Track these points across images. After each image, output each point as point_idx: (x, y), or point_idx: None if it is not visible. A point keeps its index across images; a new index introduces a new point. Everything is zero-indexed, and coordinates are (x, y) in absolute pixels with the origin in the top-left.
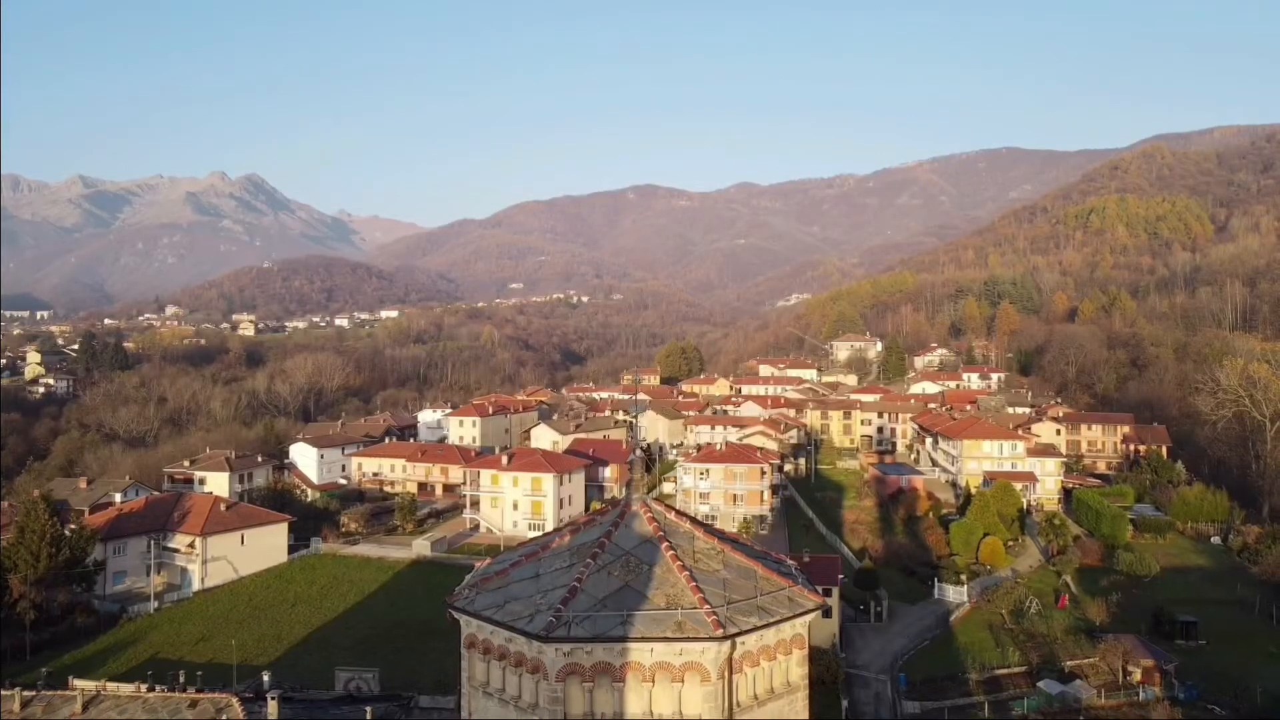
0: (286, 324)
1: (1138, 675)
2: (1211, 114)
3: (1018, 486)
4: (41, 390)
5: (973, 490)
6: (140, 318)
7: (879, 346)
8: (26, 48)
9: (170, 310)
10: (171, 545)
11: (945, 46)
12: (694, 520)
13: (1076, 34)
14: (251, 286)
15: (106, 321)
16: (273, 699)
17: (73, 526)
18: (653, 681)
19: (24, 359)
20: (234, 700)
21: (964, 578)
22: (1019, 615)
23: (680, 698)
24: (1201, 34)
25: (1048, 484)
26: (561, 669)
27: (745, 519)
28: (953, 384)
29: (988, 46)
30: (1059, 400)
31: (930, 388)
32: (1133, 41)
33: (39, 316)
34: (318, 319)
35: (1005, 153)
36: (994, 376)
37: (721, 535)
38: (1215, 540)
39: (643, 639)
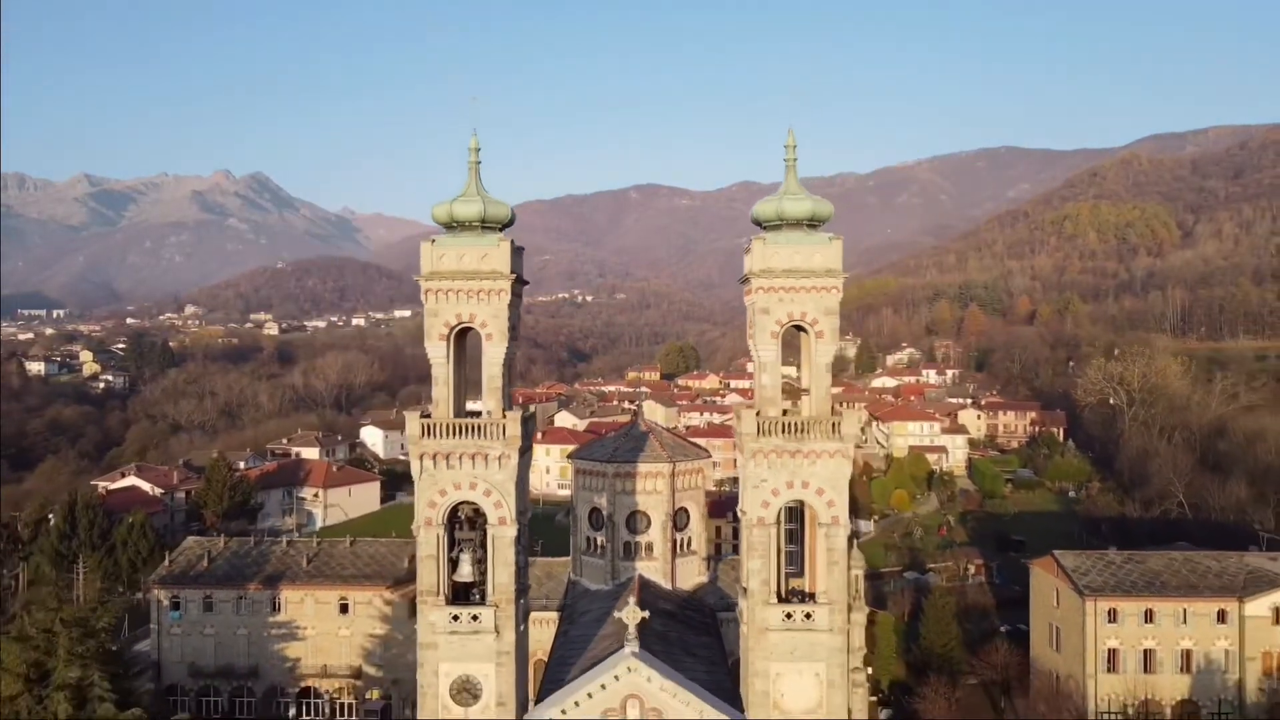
0: (307, 324)
1: (973, 571)
2: (1208, 113)
3: (932, 457)
4: (101, 385)
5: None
6: (161, 317)
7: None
8: (28, 45)
9: (189, 309)
10: (301, 495)
11: (945, 44)
12: (665, 429)
13: (1075, 32)
14: (266, 286)
15: (129, 321)
16: None
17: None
18: (645, 479)
19: (76, 357)
20: None
21: (875, 516)
22: (907, 537)
23: (655, 485)
24: (1199, 32)
25: (957, 455)
26: (612, 474)
27: (719, 480)
28: (911, 379)
29: (987, 44)
30: (997, 393)
31: (890, 382)
32: (1131, 40)
33: (54, 315)
34: (335, 318)
35: (1004, 152)
36: (949, 373)
37: (674, 433)
38: (1073, 494)
39: (642, 462)
